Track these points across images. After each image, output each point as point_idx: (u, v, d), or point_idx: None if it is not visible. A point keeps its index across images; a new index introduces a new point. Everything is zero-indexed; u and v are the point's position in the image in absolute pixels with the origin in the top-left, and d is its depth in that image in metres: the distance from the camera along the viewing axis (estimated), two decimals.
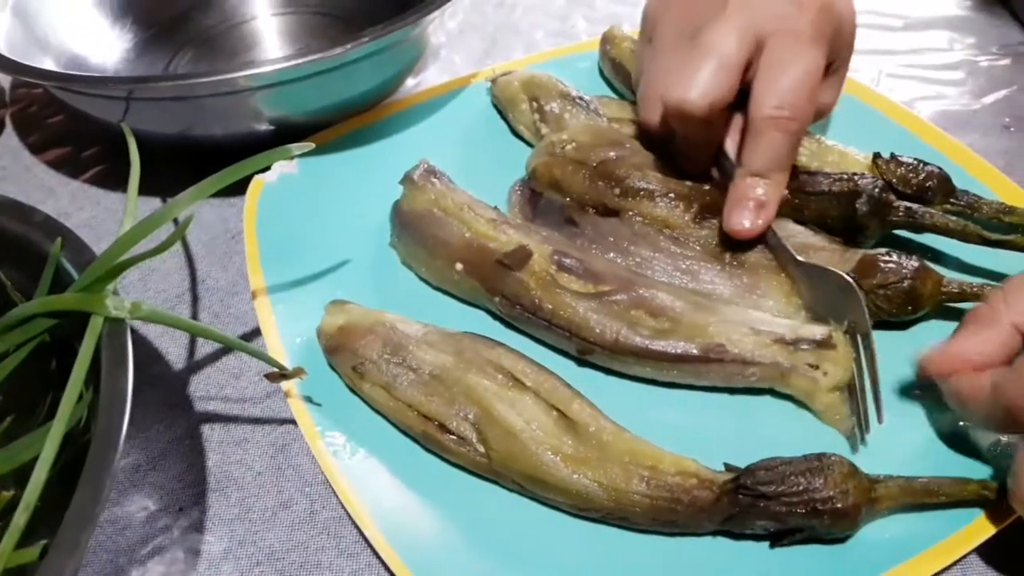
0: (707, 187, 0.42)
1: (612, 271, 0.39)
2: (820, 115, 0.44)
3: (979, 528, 0.33)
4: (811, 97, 0.39)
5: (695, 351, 0.36)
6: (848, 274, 0.37)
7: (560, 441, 0.34)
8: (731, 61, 0.39)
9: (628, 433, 0.35)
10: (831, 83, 0.43)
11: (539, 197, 0.44)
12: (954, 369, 0.34)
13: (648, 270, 0.41)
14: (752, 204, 0.39)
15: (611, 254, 0.41)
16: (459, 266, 0.41)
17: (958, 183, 0.43)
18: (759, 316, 0.38)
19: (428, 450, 0.36)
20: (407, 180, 0.43)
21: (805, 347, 0.36)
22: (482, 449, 0.34)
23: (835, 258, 0.39)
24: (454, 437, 0.35)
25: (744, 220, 0.39)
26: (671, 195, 0.42)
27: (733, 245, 0.40)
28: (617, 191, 0.42)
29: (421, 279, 0.43)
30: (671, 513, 0.32)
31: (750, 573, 0.32)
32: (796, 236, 0.41)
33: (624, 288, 0.38)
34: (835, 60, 0.42)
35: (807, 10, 0.40)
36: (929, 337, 0.38)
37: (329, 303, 0.40)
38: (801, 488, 0.32)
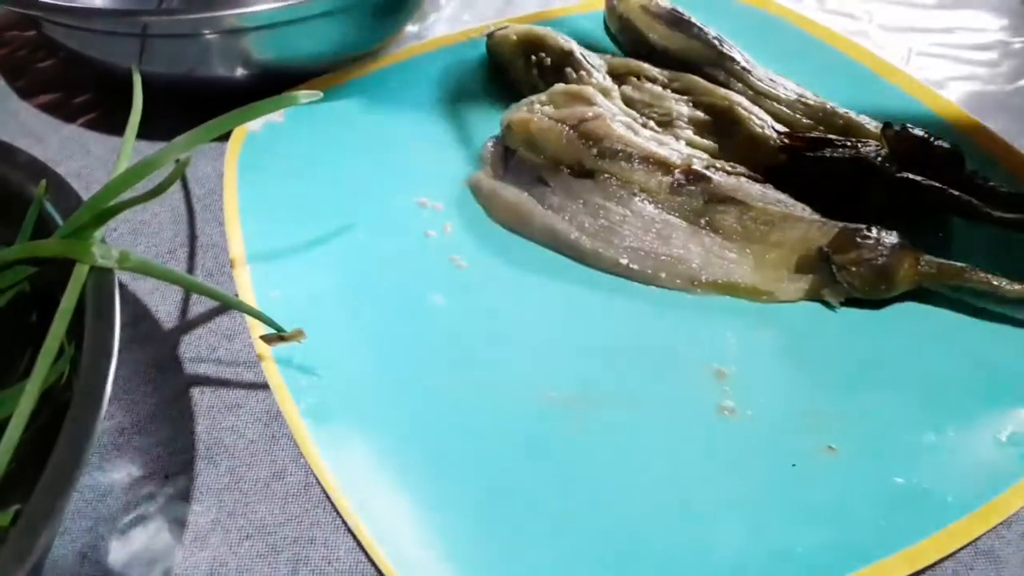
0: (687, 155, 0.42)
1: None
2: None
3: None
4: None
5: None
6: (824, 248, 0.37)
7: None
8: None
9: None
10: None
11: (511, 154, 0.43)
12: None
13: (617, 233, 0.40)
14: None
15: (581, 216, 0.41)
16: None
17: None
18: None
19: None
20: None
21: None
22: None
23: (813, 229, 0.39)
24: None
25: None
26: (650, 160, 0.41)
27: (708, 211, 0.40)
28: (595, 151, 0.41)
29: None
30: None
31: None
32: (777, 204, 0.40)
33: None
34: None
35: None
36: (904, 316, 0.36)
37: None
38: None
